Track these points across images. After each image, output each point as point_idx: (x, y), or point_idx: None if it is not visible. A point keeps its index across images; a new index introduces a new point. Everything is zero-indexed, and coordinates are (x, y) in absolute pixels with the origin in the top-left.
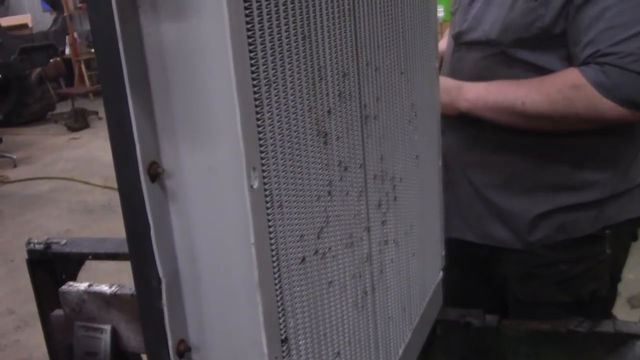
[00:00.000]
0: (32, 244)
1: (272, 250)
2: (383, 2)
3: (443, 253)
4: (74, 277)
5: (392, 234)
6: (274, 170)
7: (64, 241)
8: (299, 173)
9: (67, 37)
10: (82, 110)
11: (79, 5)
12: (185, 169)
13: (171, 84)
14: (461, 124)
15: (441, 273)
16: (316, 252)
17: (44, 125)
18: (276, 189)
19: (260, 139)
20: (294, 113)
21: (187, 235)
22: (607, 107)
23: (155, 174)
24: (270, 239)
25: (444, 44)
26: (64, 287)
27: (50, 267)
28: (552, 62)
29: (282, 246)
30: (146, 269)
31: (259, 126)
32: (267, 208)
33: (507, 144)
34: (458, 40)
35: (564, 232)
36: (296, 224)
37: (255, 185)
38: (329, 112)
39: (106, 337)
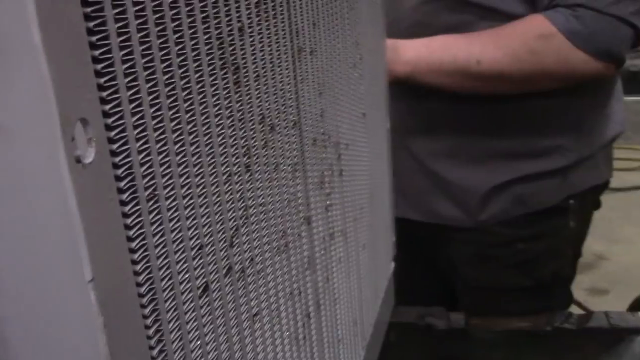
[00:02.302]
0: None
1: (142, 285)
2: None
3: (394, 238)
4: None
5: (339, 222)
6: (134, 125)
7: None
8: (189, 133)
9: None
10: None
11: None
12: None
13: None
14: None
15: (392, 264)
16: (229, 269)
17: None
18: (140, 163)
19: (99, 60)
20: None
21: None
22: (580, 59)
23: None
24: (136, 262)
25: None
26: None
27: None
28: (511, 4)
29: (159, 273)
30: None
31: (94, 32)
32: (124, 203)
33: (456, 105)
34: None
35: (522, 205)
36: (188, 227)
37: (89, 157)
38: (241, 30)
39: None
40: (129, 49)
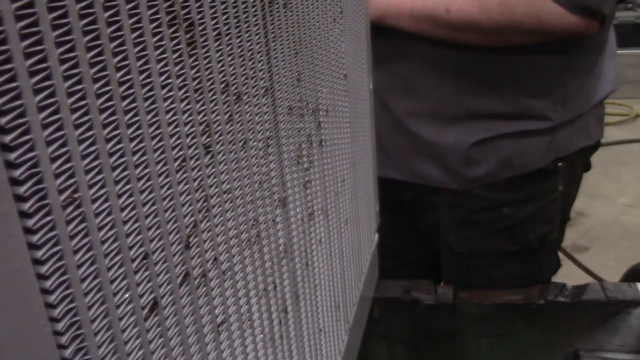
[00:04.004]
0: None
1: (59, 321)
2: None
3: (378, 208)
4: None
5: (320, 200)
6: (39, 107)
7: None
8: (124, 111)
9: None
10: None
11: None
12: None
13: None
14: (377, 37)
15: (376, 236)
16: (185, 276)
17: None
18: (52, 157)
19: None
20: None
21: None
22: (554, 13)
23: None
24: (48, 292)
25: None
26: None
27: None
28: None
29: (85, 300)
30: None
31: None
32: (28, 215)
33: (435, 62)
34: None
35: (509, 168)
36: (127, 233)
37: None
38: None
39: None
40: None
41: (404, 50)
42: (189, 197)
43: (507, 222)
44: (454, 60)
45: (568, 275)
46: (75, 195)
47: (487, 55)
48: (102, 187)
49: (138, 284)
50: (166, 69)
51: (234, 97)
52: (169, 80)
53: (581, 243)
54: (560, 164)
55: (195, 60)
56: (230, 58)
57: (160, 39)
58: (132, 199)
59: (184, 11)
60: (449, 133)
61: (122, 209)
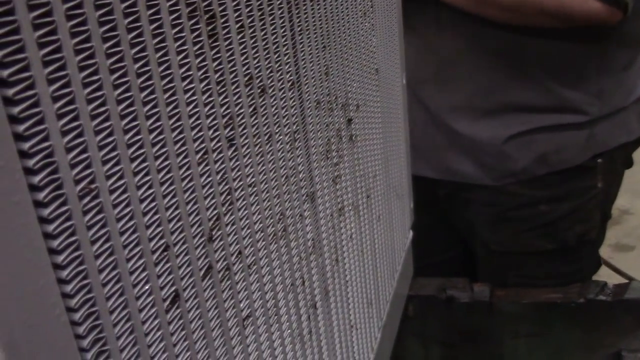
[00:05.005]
0: None
1: (76, 311)
2: None
3: (412, 205)
4: None
5: (350, 195)
6: (53, 97)
7: None
8: (143, 103)
9: None
10: None
11: None
12: None
13: None
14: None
15: (411, 233)
16: (208, 269)
17: None
18: (67, 148)
19: None
20: None
21: None
22: None
23: None
24: (65, 282)
25: None
26: None
27: None
28: None
29: (103, 290)
30: None
31: None
32: (43, 204)
33: (467, 52)
34: None
35: (545, 164)
36: (147, 225)
37: None
38: None
39: None
40: None
41: (436, 41)
42: (211, 190)
43: (544, 219)
44: (487, 48)
45: (612, 275)
46: (92, 186)
47: (519, 43)
48: (120, 178)
49: (159, 276)
50: (186, 60)
51: (259, 90)
52: (190, 72)
53: (626, 242)
54: (599, 160)
55: (217, 52)
56: (254, 51)
57: (180, 31)
58: (151, 191)
59: (205, 3)
60: (484, 127)
61: (142, 201)
